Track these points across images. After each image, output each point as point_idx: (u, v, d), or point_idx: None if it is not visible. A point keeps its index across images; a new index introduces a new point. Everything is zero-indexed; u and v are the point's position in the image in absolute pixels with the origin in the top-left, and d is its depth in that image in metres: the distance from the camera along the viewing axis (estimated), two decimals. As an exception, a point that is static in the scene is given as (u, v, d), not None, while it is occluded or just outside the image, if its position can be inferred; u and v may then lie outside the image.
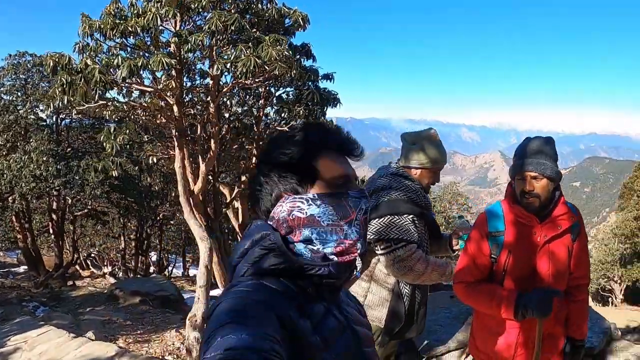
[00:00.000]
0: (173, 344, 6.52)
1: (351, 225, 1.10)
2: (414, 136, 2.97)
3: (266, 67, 5.06)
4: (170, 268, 14.99)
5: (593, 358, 3.91)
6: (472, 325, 2.87)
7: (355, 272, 1.17)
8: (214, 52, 5.45)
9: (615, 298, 19.84)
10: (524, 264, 2.50)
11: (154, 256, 15.81)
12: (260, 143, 7.56)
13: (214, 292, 6.69)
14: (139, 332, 6.90)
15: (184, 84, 5.91)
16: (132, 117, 6.38)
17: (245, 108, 7.45)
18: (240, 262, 1.10)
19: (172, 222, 14.19)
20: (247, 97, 7.39)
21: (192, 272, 15.92)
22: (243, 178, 7.78)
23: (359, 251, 1.10)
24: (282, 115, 7.30)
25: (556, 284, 2.50)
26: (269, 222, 1.12)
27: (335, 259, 1.09)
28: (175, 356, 6.17)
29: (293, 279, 1.08)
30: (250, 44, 5.02)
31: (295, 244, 1.09)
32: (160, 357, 6.06)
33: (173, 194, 12.82)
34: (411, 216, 2.80)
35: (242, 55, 4.83)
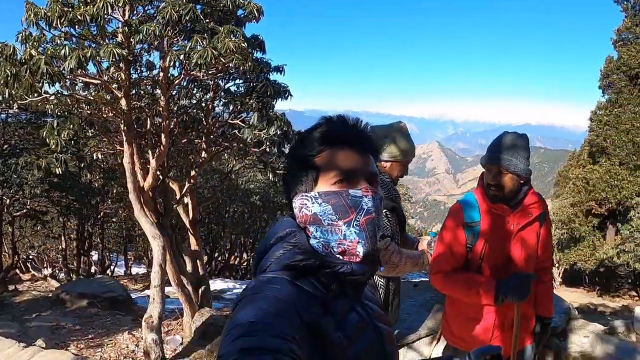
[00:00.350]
0: (127, 347, 6.29)
1: (350, 226, 1.08)
2: (385, 129, 2.97)
3: (222, 59, 4.90)
4: (112, 267, 14.49)
5: (556, 337, 4.05)
6: (446, 312, 2.96)
7: (379, 267, 1.17)
8: (165, 43, 5.23)
9: (554, 281, 20.75)
10: (500, 252, 2.62)
11: (94, 255, 15.27)
12: (211, 137, 7.37)
13: (167, 290, 6.50)
14: (90, 336, 6.62)
15: (130, 76, 5.65)
16: (76, 111, 6.05)
17: (194, 101, 7.20)
18: (264, 257, 1.11)
19: (114, 219, 13.71)
20: (195, 89, 7.15)
21: (134, 270, 15.52)
22: (192, 173, 7.56)
23: (359, 253, 1.08)
24: (231, 108, 7.11)
25: (528, 268, 2.65)
26: (294, 219, 1.14)
27: (341, 258, 1.09)
28: (131, 359, 5.95)
29: (316, 276, 1.07)
30: (205, 34, 4.84)
31: (311, 239, 1.10)
32: (116, 361, 5.85)
33: (115, 191, 12.41)
34: (384, 210, 2.79)
35: (198, 47, 4.66)
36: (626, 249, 15.54)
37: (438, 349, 4.05)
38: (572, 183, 22.22)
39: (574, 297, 16.38)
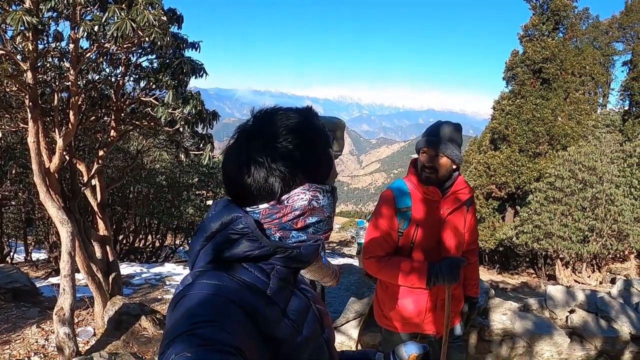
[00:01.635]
0: (37, 342, 5.83)
1: (331, 216, 1.12)
2: (332, 125, 2.88)
3: (140, 32, 4.59)
4: (12, 254, 13.50)
5: (479, 315, 4.21)
6: (378, 295, 3.02)
7: (321, 253, 1.23)
8: (77, 13, 4.81)
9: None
10: (431, 236, 2.69)
11: (-9, 242, 14.16)
12: (121, 115, 6.95)
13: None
14: (-6, 333, 6.07)
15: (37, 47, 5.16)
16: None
17: (103, 76, 6.73)
18: (205, 246, 1.03)
19: (12, 202, 12.74)
20: (105, 64, 6.68)
21: (34, 255, 14.55)
22: (100, 153, 7.11)
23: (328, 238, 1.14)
24: (143, 84, 6.74)
25: (457, 251, 2.74)
26: (266, 205, 1.04)
27: (322, 240, 1.10)
28: (42, 355, 5.53)
29: (258, 264, 1.04)
30: (123, 5, 4.50)
31: (293, 230, 1.06)
32: (27, 358, 5.40)
33: (13, 171, 11.53)
34: None
35: (116, 18, 4.32)
36: (524, 230, 16.52)
37: (365, 331, 4.09)
38: (473, 167, 23.39)
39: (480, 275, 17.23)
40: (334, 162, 1.13)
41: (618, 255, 16.11)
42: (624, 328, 4.33)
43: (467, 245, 3.01)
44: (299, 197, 1.04)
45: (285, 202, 1.03)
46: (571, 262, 15.68)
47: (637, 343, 4.38)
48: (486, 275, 17.95)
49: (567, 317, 4.54)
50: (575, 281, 15.35)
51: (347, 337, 4.15)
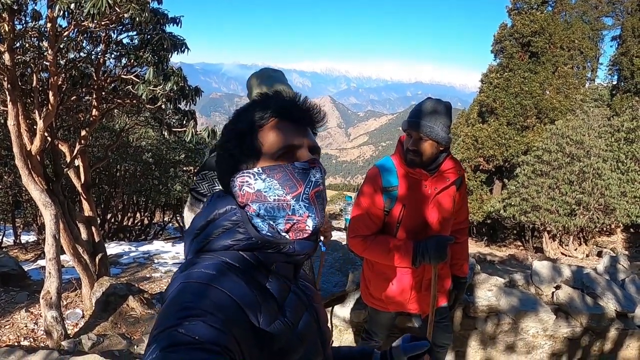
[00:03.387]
0: (26, 326, 5.81)
1: (299, 200, 1.03)
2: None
3: (117, 9, 4.46)
4: (0, 237, 13.39)
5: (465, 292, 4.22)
6: (364, 274, 3.01)
7: (321, 247, 1.19)
8: (53, -10, 4.66)
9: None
10: (417, 215, 2.66)
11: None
12: (102, 93, 6.82)
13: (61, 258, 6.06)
14: (-16, 318, 6.03)
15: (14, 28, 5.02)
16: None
17: (83, 54, 6.58)
18: (198, 235, 1.04)
19: (-1, 185, 12.60)
20: (85, 42, 6.53)
21: (23, 238, 14.45)
22: (83, 133, 6.99)
23: (309, 228, 1.02)
24: (124, 61, 6.60)
25: (444, 230, 2.71)
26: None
27: (286, 236, 1.04)
28: (31, 339, 5.51)
29: (256, 257, 1.02)
30: (99, -19, 4.35)
31: (256, 219, 1.04)
32: (16, 342, 5.38)
33: (-3, 154, 11.37)
34: None
35: (92, -6, 4.18)
36: (512, 203, 16.63)
37: (349, 309, 4.10)
38: (461, 140, 23.44)
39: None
40: (269, 135, 1.05)
41: (605, 229, 16.29)
42: (610, 305, 4.36)
43: (457, 224, 2.99)
44: (233, 184, 1.06)
45: (233, 190, 1.06)
46: (558, 235, 15.85)
47: (622, 320, 4.42)
48: (474, 247, 18.10)
49: (553, 293, 4.56)
50: (562, 254, 15.53)
51: (329, 315, 4.16)
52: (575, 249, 15.63)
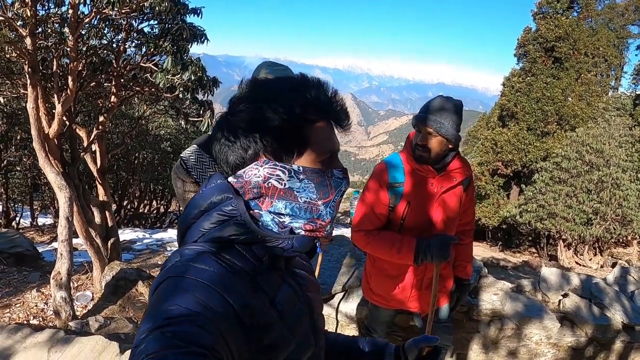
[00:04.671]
0: (36, 306, 5.93)
1: (327, 206, 1.02)
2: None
3: (137, -3, 4.52)
4: (18, 219, 13.60)
5: (469, 294, 4.20)
6: (366, 269, 3.01)
7: (317, 249, 1.12)
8: (75, -23, 4.74)
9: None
10: (421, 213, 2.64)
11: (-2, 207, 14.31)
12: (121, 80, 6.91)
13: (74, 242, 6.15)
14: (-4, 297, 6.17)
15: (37, 13, 5.10)
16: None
17: (104, 42, 6.66)
18: (193, 224, 0.99)
19: (18, 168, 12.80)
20: (106, 29, 6.61)
21: (40, 220, 14.67)
22: (101, 119, 7.09)
23: (327, 232, 1.02)
24: (144, 50, 6.67)
25: (448, 230, 2.69)
26: (233, 180, 1.01)
27: (302, 232, 1.01)
28: (40, 319, 5.62)
29: (247, 249, 0.98)
30: (120, -32, 4.42)
31: (262, 212, 1.00)
32: (26, 321, 5.48)
33: (18, 137, 11.55)
34: None
35: (112, -18, 4.24)
36: (528, 209, 16.47)
37: (352, 305, 4.10)
38: (480, 143, 23.28)
39: (477, 250, 17.32)
40: (318, 139, 1.00)
41: (621, 240, 16.07)
42: (617, 317, 4.30)
43: (462, 225, 2.96)
44: (252, 172, 0.98)
45: (244, 176, 0.99)
46: (573, 244, 15.67)
47: (629, 332, 4.35)
48: (488, 252, 17.98)
49: (559, 301, 4.52)
50: (577, 263, 15.36)
51: (332, 310, 4.16)
52: (590, 259, 15.44)
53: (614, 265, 14.05)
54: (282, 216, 1.00)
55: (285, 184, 0.98)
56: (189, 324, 0.78)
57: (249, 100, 0.99)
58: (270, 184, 0.97)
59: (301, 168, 0.99)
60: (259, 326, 0.92)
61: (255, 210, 1.00)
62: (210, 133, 2.45)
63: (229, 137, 0.98)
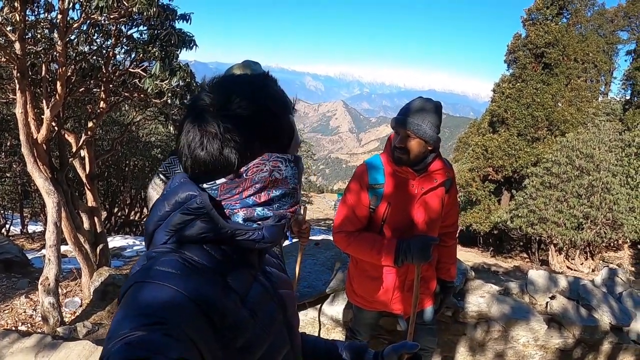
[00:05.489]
0: (25, 312, 5.89)
1: (300, 188, 1.08)
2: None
3: (125, 3, 4.52)
4: (8, 225, 13.52)
5: (454, 296, 4.21)
6: (349, 271, 3.01)
7: (287, 236, 1.12)
8: (64, -18, 4.74)
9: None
10: (402, 214, 2.65)
11: (-13, 215, 14.22)
12: (110, 86, 6.90)
13: (63, 248, 6.12)
14: (-15, 303, 6.13)
15: (27, 18, 5.10)
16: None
17: (94, 47, 6.66)
18: (159, 226, 0.97)
19: (7, 174, 12.72)
20: (95, 35, 6.61)
21: (30, 228, 14.57)
22: (90, 124, 7.07)
23: (298, 212, 1.03)
24: (133, 55, 6.67)
25: (430, 231, 2.70)
26: (224, 181, 0.96)
27: (288, 215, 1.03)
28: (29, 325, 5.58)
29: (217, 245, 0.96)
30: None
31: (257, 206, 0.99)
32: (14, 327, 5.44)
33: (8, 143, 11.49)
34: None
35: (101, -12, 4.24)
36: (519, 214, 16.55)
37: (338, 308, 4.10)
38: (471, 149, 23.42)
39: (468, 256, 17.36)
40: (295, 130, 1.05)
41: (612, 244, 16.16)
42: (605, 318, 4.33)
43: (445, 227, 2.97)
44: (258, 168, 0.96)
45: (244, 174, 0.96)
46: (564, 249, 15.73)
47: (617, 333, 4.38)
48: (479, 257, 18.01)
49: (547, 303, 4.54)
50: (568, 267, 15.42)
51: (319, 313, 4.17)
52: (582, 264, 15.50)
53: (605, 269, 14.10)
54: (272, 205, 1.00)
55: (283, 174, 1.00)
56: (155, 333, 0.77)
57: (245, 98, 0.95)
58: (274, 176, 0.98)
59: (293, 156, 1.02)
60: (230, 327, 0.91)
61: (227, 209, 0.98)
62: None
63: (232, 137, 0.93)
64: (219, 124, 0.92)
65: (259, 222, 0.99)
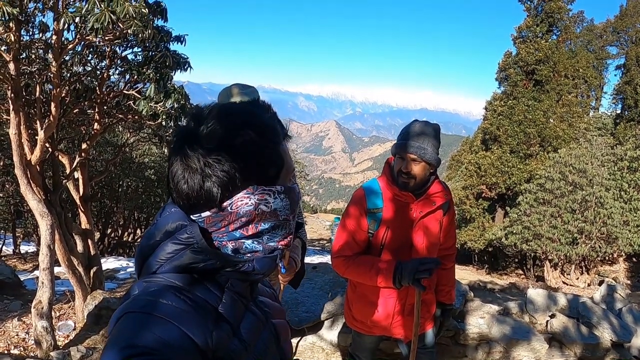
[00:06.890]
0: (17, 335, 5.80)
1: (294, 220, 1.05)
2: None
3: (120, 25, 4.52)
4: (0, 246, 13.39)
5: (454, 318, 4.17)
6: (348, 296, 2.97)
7: (279, 266, 1.10)
8: (60, 3, 4.73)
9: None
10: (401, 238, 2.63)
11: (-21, 235, 14.09)
12: (105, 107, 6.88)
13: (56, 270, 6.04)
14: (-24, 325, 6.03)
15: (21, 38, 5.08)
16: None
17: (88, 68, 6.65)
18: (150, 255, 0.96)
19: (0, 194, 12.64)
20: (90, 56, 6.60)
21: (23, 248, 14.45)
22: (84, 146, 7.04)
23: (293, 243, 1.01)
24: (128, 77, 6.65)
25: (429, 254, 2.67)
26: (208, 214, 0.94)
27: (280, 248, 1.01)
28: (22, 348, 5.49)
29: (209, 276, 0.96)
30: (104, -4, 4.41)
31: (245, 239, 0.96)
32: (6, 351, 5.35)
33: (1, 163, 11.42)
34: None
35: (96, 9, 4.23)
36: (514, 231, 16.54)
37: (337, 332, 4.06)
38: (464, 167, 23.47)
39: (464, 274, 17.29)
40: (286, 157, 1.00)
41: (607, 258, 16.15)
42: (605, 335, 4.30)
43: (444, 250, 2.95)
44: (243, 202, 0.93)
45: (229, 208, 0.93)
46: (560, 264, 15.72)
47: (618, 350, 4.35)
48: (475, 275, 17.96)
49: (547, 322, 4.51)
50: (564, 283, 15.39)
51: (317, 338, 4.11)
52: (577, 278, 15.48)
53: (601, 283, 14.09)
54: (261, 237, 0.98)
55: (271, 206, 0.96)
56: None
57: (228, 130, 0.92)
58: (260, 210, 0.95)
59: (282, 187, 0.98)
60: (223, 359, 0.90)
61: (216, 241, 0.96)
62: None
63: (213, 172, 0.90)
64: (199, 158, 0.89)
65: (249, 255, 0.98)
